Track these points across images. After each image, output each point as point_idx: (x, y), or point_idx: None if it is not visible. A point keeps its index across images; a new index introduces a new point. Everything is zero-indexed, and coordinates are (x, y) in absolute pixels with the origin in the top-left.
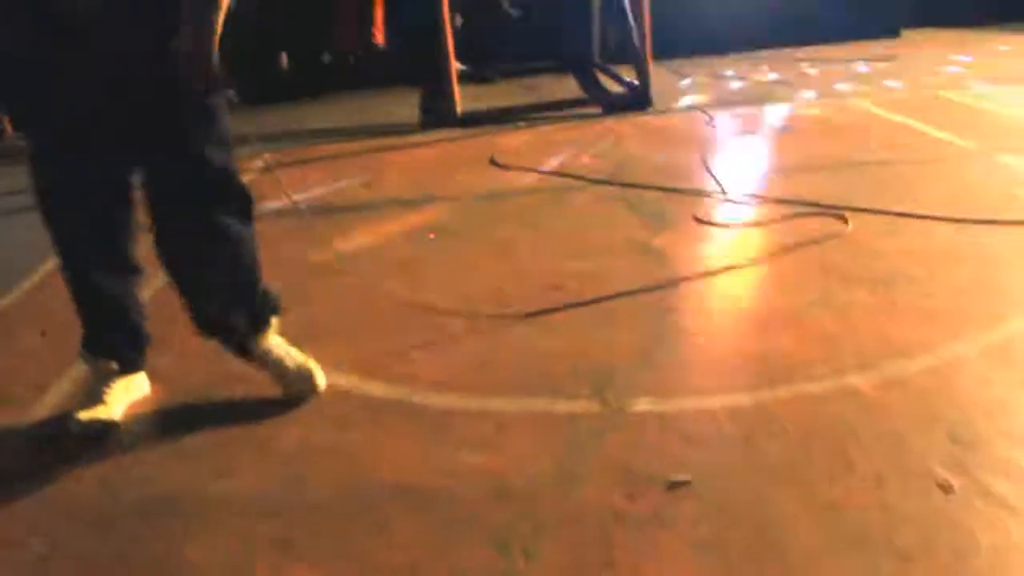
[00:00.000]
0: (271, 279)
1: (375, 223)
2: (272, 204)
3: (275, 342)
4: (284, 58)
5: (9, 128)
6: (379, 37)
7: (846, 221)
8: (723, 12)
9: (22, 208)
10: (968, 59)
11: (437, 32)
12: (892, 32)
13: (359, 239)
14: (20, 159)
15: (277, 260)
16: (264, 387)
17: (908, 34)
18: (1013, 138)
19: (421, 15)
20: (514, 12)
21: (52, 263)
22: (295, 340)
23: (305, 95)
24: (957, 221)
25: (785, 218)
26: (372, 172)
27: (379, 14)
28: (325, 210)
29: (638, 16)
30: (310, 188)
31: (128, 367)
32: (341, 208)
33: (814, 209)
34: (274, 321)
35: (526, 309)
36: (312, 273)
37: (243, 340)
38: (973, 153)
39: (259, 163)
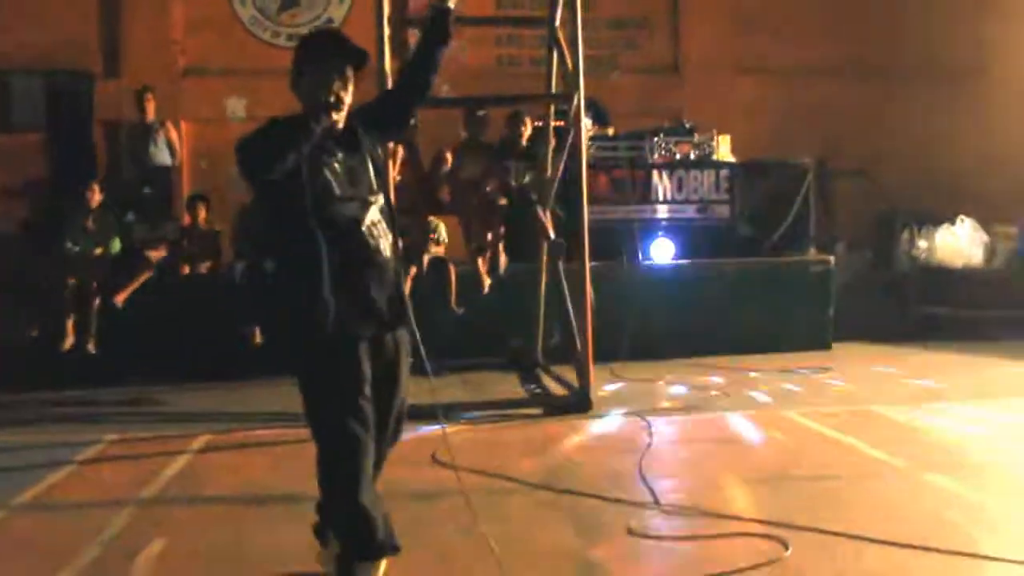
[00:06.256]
0: None
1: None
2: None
3: None
4: (257, 332)
5: None
6: None
7: (786, 547)
8: (662, 318)
9: None
10: (897, 374)
11: None
12: (823, 345)
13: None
14: None
15: None
16: None
17: (838, 347)
18: (940, 456)
19: None
20: (459, 310)
21: None
22: None
23: (264, 374)
24: (891, 545)
25: (721, 535)
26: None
27: None
28: (258, 500)
29: (580, 319)
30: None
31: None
32: (269, 499)
33: (750, 528)
34: None
35: None
36: None
37: None
38: (904, 472)
39: (196, 444)
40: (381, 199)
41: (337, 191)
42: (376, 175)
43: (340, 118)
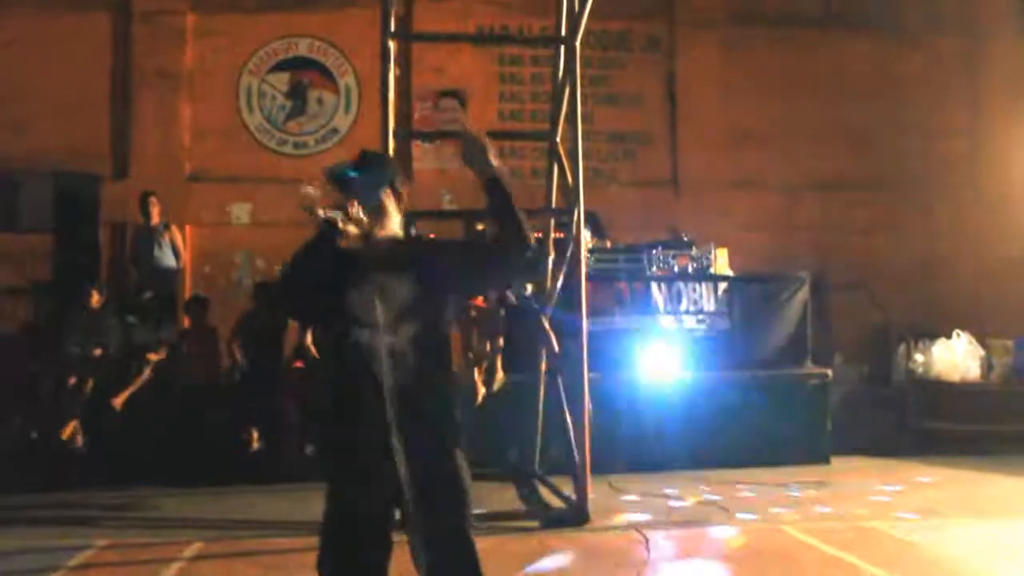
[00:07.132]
0: None
1: None
2: None
3: None
4: (255, 435)
5: None
6: None
7: None
8: (660, 431)
9: None
10: (895, 489)
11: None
12: (822, 459)
13: None
14: None
15: None
16: None
17: (837, 461)
18: (938, 574)
19: None
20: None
21: None
22: None
23: (260, 480)
24: None
25: None
26: (300, 571)
27: None
28: None
29: (578, 431)
30: None
31: None
32: None
33: None
34: None
35: None
36: None
37: None
38: None
39: (189, 552)
40: (417, 326)
41: (358, 315)
42: (416, 301)
43: (353, 231)
